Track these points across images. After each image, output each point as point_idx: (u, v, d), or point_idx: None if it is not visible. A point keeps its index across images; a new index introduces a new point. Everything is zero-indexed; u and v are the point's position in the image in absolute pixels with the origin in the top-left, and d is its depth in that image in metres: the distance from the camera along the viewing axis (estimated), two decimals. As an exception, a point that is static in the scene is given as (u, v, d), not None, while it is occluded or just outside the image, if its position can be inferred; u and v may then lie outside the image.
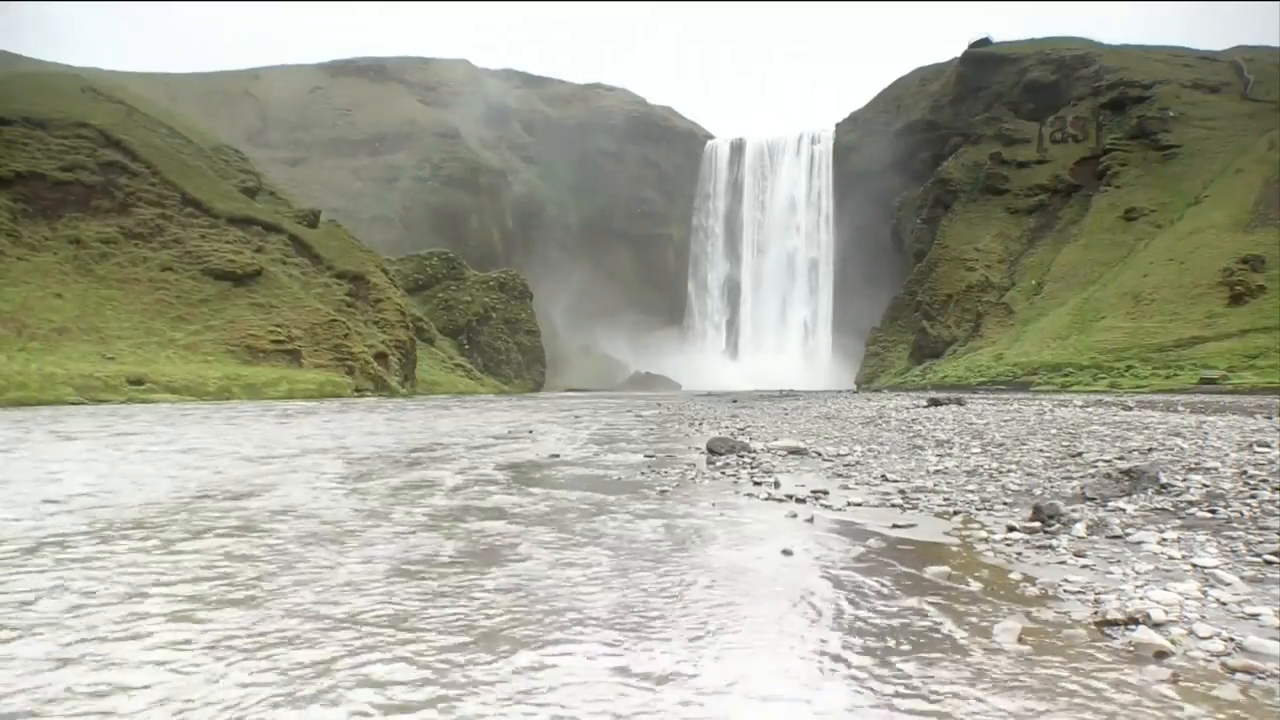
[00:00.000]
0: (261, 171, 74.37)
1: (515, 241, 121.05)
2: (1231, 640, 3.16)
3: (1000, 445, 10.76)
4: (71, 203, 51.95)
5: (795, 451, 10.56)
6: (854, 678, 2.95)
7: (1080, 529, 5.17)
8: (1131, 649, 3.16)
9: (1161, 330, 52.26)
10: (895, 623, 3.58)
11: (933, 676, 2.94)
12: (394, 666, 3.05)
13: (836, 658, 3.16)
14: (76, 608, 3.77)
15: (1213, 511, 5.64)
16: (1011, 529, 5.32)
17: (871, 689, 2.85)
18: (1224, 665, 2.97)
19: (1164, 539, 4.86)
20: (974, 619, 3.59)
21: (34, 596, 3.96)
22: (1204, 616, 3.46)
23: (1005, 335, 68.09)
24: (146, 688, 2.84)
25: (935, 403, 24.53)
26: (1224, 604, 3.62)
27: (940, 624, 3.55)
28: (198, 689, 2.82)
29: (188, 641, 3.31)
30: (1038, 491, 6.89)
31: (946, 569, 4.40)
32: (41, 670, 3.00)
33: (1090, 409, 20.27)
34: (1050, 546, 4.84)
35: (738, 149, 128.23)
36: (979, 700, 2.74)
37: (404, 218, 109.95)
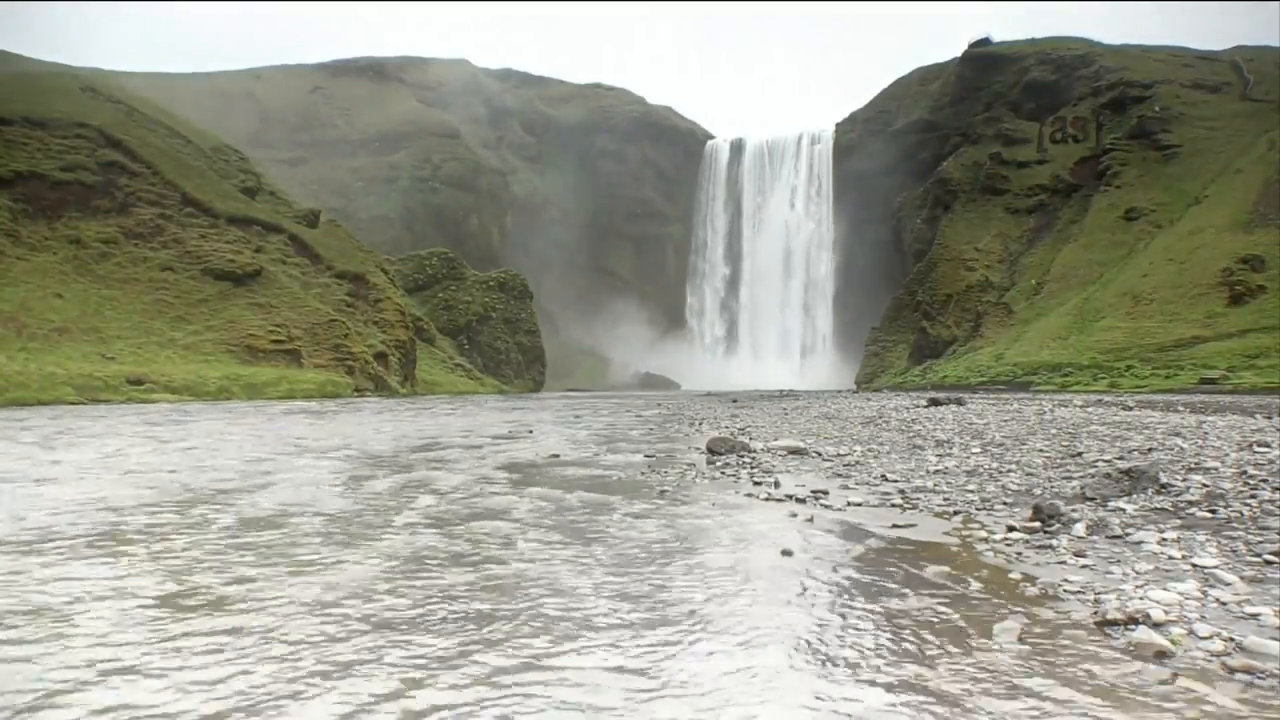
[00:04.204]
0: (261, 171, 74.31)
1: (515, 241, 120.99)
2: (1231, 640, 3.16)
3: (1000, 445, 10.76)
4: (71, 203, 51.92)
5: (795, 451, 10.56)
6: (854, 677, 2.95)
7: (1080, 529, 5.17)
8: (1131, 649, 3.16)
9: (1161, 330, 52.25)
10: (895, 622, 3.58)
11: (932, 676, 2.94)
12: (394, 665, 3.05)
13: (836, 657, 3.16)
14: (81, 600, 3.77)
15: (1213, 511, 5.64)
16: (1011, 529, 5.32)
17: (871, 688, 2.85)
18: (1224, 665, 2.97)
19: (1164, 539, 4.86)
20: (974, 619, 3.59)
21: (65, 590, 3.97)
22: (1204, 616, 3.46)
23: (1005, 335, 68.07)
24: (158, 674, 2.85)
25: (935, 403, 24.53)
26: (1224, 604, 3.62)
27: (940, 624, 3.55)
28: (203, 680, 2.83)
29: (189, 634, 3.31)
30: (1038, 491, 6.89)
31: (946, 569, 4.40)
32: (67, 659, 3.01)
33: (1090, 409, 20.26)
34: (1050, 546, 4.84)
35: (738, 149, 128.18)
36: (979, 700, 2.74)
37: (404, 218, 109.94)
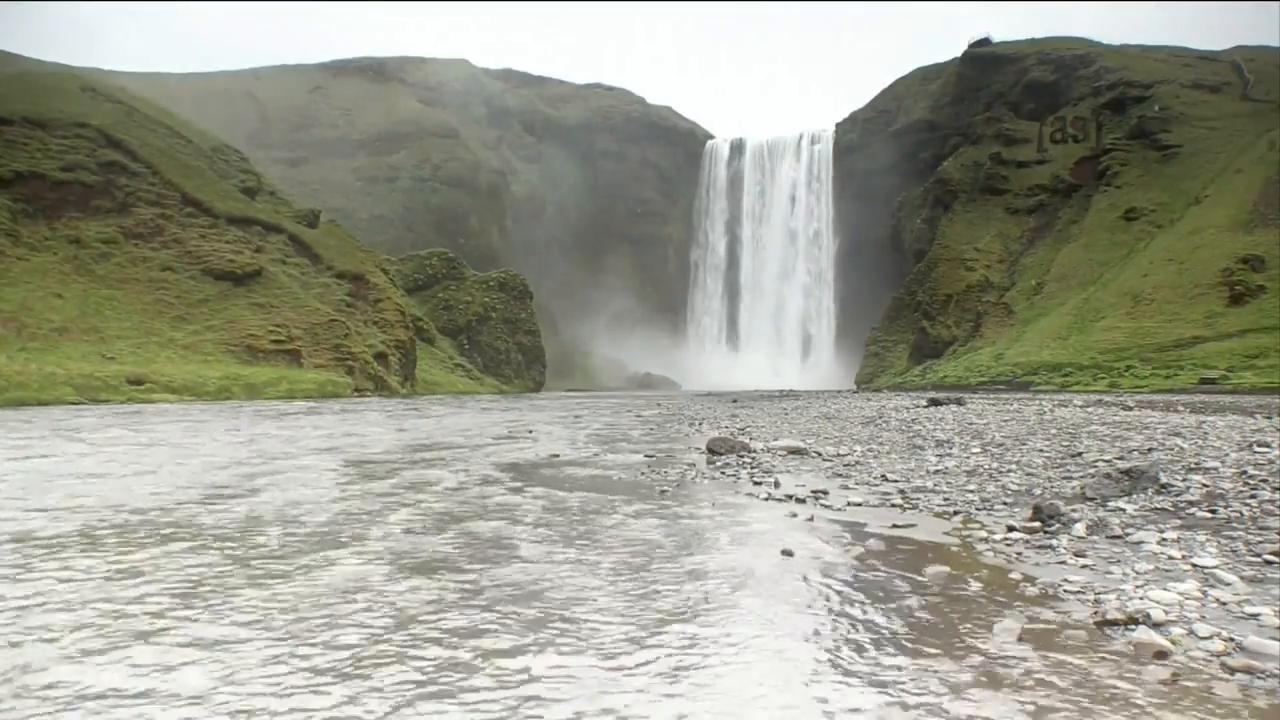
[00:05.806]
0: (261, 171, 74.28)
1: (515, 241, 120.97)
2: (1231, 640, 3.16)
3: (1000, 445, 10.76)
4: (71, 203, 51.88)
5: (795, 451, 10.56)
6: (854, 677, 2.95)
7: (1080, 529, 5.17)
8: (1131, 649, 3.16)
9: (1161, 330, 52.23)
10: (895, 622, 3.58)
11: (932, 676, 2.95)
12: (393, 665, 3.05)
13: (836, 657, 3.16)
14: (83, 599, 3.77)
15: (1213, 511, 5.64)
16: (1011, 529, 5.32)
17: (871, 689, 2.85)
18: (1224, 665, 2.97)
19: (1164, 539, 4.86)
20: (974, 619, 3.59)
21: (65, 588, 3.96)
22: (1204, 616, 3.46)
23: (1005, 335, 68.06)
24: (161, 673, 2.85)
25: (935, 403, 24.53)
26: (1224, 604, 3.62)
27: (940, 624, 3.55)
28: (201, 682, 2.83)
29: (189, 638, 3.31)
30: (1038, 491, 6.90)
31: (946, 569, 4.40)
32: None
33: (1090, 409, 20.26)
34: (1050, 546, 4.84)
35: (738, 149, 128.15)
36: (978, 700, 2.74)
37: (404, 218, 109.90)
